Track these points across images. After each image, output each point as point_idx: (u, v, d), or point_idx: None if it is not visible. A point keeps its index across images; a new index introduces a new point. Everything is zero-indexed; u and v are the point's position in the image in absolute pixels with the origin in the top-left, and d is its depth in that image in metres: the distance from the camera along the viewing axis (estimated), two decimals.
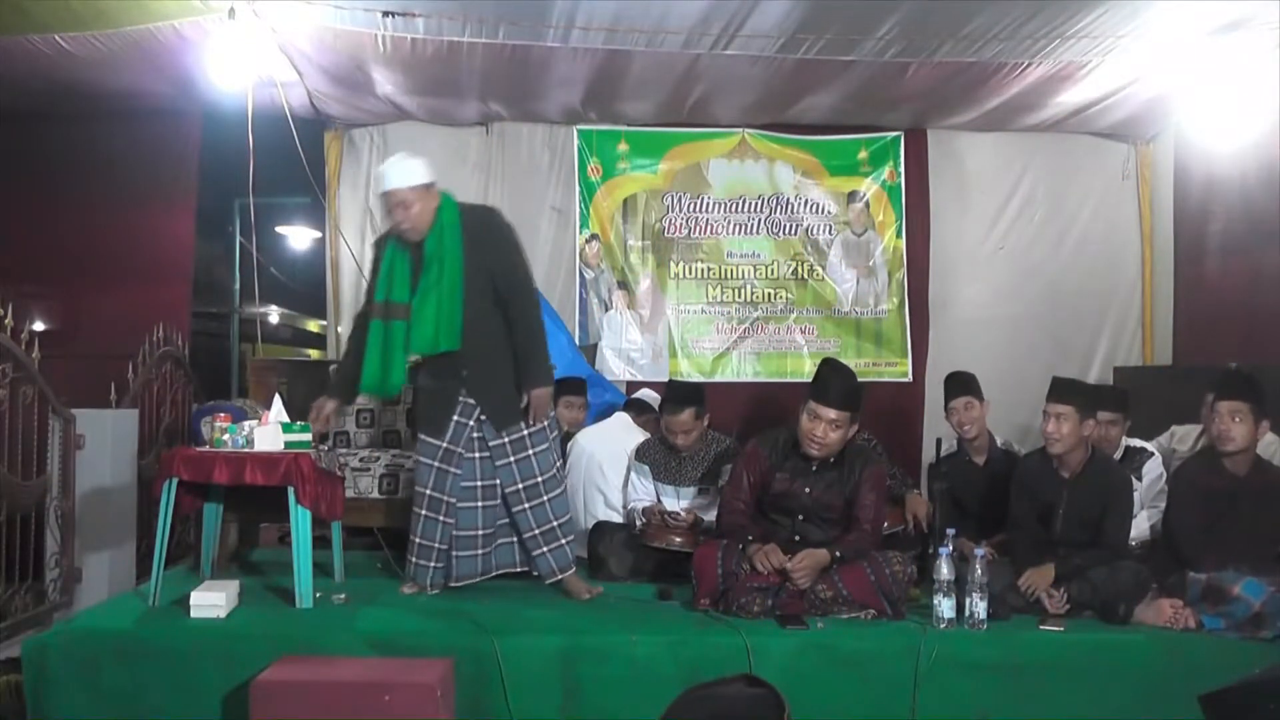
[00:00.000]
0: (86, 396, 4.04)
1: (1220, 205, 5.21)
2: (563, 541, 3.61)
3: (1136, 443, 4.13)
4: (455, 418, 3.54)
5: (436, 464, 3.56)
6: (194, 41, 4.39)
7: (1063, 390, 3.57)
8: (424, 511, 3.58)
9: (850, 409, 3.47)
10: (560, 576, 3.61)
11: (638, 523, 4.05)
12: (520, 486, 3.56)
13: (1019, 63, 4.67)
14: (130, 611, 3.38)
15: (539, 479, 3.57)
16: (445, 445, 3.55)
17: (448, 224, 3.45)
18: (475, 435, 3.56)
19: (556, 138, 5.78)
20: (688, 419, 4.04)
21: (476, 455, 3.57)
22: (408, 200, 3.37)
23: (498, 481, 3.57)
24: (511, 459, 3.55)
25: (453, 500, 3.57)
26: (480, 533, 3.60)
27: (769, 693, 2.35)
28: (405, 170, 3.40)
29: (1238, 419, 3.43)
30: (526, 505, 3.57)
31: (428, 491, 3.57)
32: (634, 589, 3.80)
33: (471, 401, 3.54)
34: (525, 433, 3.55)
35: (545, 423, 3.61)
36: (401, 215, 3.39)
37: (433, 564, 3.60)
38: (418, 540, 3.60)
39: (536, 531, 3.58)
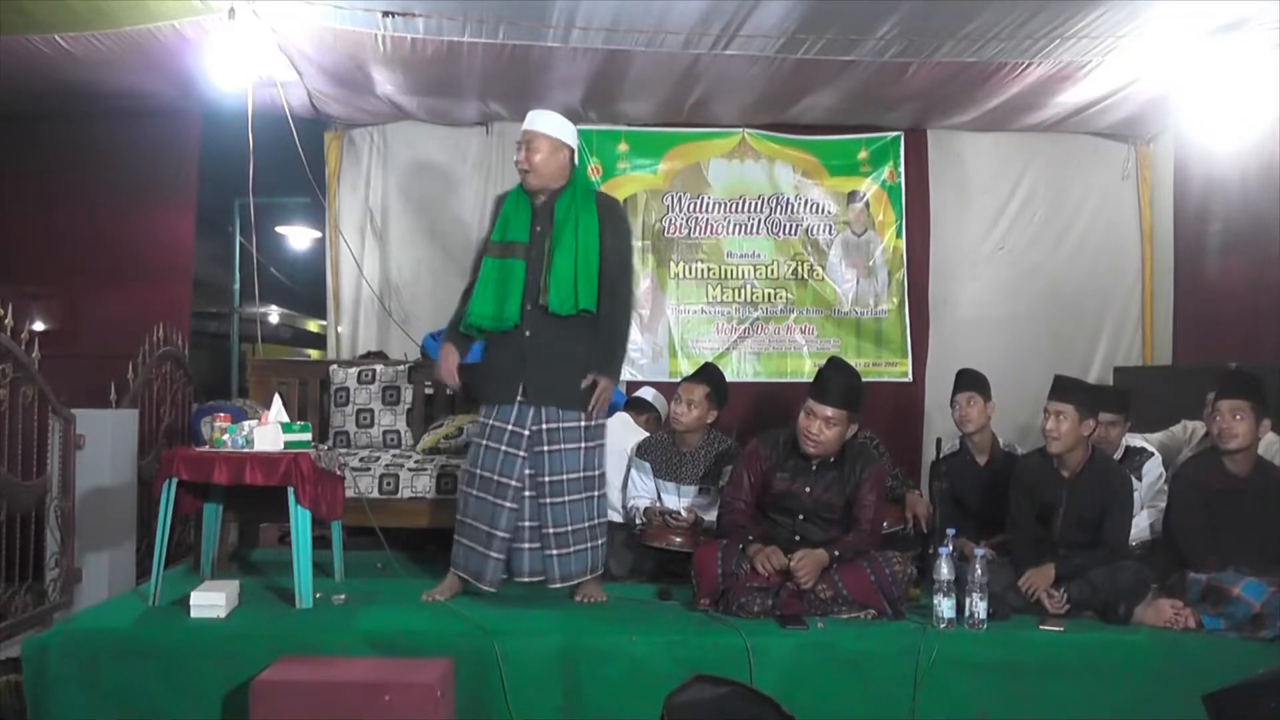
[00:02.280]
0: (86, 396, 4.03)
1: (1220, 205, 5.21)
2: (573, 549, 3.53)
3: (1137, 442, 4.12)
4: (520, 398, 3.49)
5: (504, 447, 3.48)
6: (194, 41, 4.39)
7: (1064, 389, 3.57)
8: (504, 501, 3.48)
9: (848, 408, 3.47)
10: (562, 585, 3.54)
11: (638, 522, 4.05)
12: (547, 480, 3.50)
13: (1019, 63, 4.67)
14: (130, 611, 3.38)
15: (565, 477, 3.51)
16: (511, 427, 3.49)
17: (581, 193, 3.54)
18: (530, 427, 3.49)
19: None
20: (699, 395, 4.06)
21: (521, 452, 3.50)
22: (535, 143, 3.48)
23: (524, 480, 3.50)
24: (545, 448, 3.49)
25: (519, 485, 3.49)
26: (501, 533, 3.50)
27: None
28: (547, 119, 3.53)
29: (1239, 417, 3.43)
30: (549, 500, 3.50)
31: (495, 477, 3.48)
32: (634, 589, 3.80)
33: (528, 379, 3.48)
34: (579, 425, 3.51)
35: (600, 421, 3.60)
36: (525, 154, 3.47)
37: (493, 554, 3.48)
38: (485, 528, 3.47)
39: (551, 531, 3.51)
